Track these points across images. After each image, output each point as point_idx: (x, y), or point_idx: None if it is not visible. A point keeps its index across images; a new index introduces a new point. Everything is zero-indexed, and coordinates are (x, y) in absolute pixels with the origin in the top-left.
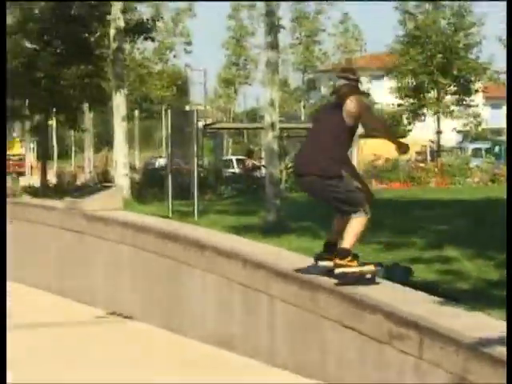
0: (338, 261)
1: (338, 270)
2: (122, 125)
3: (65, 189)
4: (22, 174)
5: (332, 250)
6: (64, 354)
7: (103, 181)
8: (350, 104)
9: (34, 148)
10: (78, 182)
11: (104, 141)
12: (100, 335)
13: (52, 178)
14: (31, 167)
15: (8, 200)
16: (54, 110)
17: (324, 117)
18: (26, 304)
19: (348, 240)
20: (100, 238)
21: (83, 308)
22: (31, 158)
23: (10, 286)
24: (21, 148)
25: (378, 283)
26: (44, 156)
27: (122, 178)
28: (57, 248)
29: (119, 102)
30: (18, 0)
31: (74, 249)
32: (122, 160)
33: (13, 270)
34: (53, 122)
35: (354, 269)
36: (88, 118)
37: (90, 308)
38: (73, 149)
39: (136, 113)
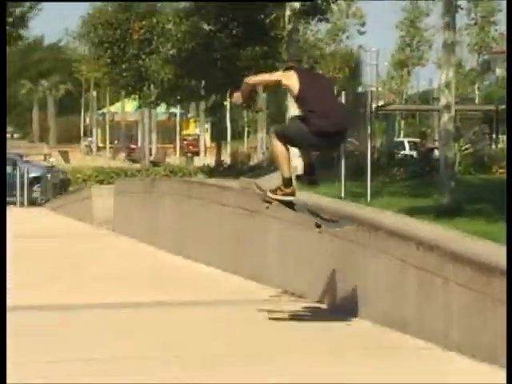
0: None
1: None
2: (295, 105)
3: (239, 169)
4: (196, 153)
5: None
6: (239, 332)
7: None
8: None
9: (208, 128)
10: (252, 163)
11: (277, 122)
12: (271, 314)
13: (226, 158)
14: (205, 147)
15: (183, 179)
16: (230, 90)
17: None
18: (202, 282)
19: None
20: (273, 218)
21: (257, 287)
22: (206, 139)
23: (184, 262)
24: (196, 128)
25: None
26: (219, 136)
27: (296, 159)
28: (232, 227)
29: None
30: (18, 0)
31: (248, 228)
32: None
33: (190, 248)
34: (227, 103)
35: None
36: (261, 98)
37: (264, 287)
38: (246, 129)
39: None
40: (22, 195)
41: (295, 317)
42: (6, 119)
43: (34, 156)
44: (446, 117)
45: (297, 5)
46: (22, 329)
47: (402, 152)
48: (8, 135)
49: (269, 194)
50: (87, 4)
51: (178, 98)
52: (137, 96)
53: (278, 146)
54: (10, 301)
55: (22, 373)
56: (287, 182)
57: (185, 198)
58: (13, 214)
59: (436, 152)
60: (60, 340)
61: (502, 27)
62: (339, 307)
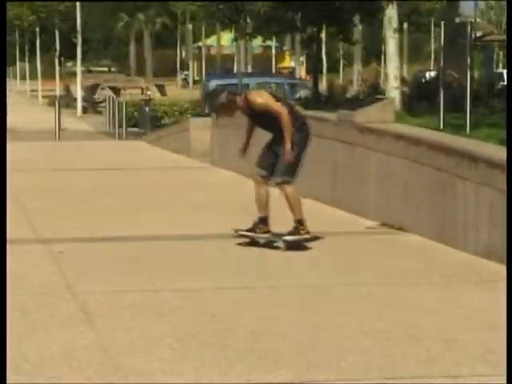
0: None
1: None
2: (393, 37)
3: (335, 101)
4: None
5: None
6: (334, 264)
7: (373, 94)
8: None
9: (303, 61)
10: (348, 95)
11: (372, 54)
12: (370, 245)
13: (322, 91)
14: (301, 79)
15: None
16: (325, 22)
17: None
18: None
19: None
20: (371, 150)
21: (355, 218)
22: (301, 71)
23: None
24: (291, 61)
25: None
26: (314, 69)
27: (393, 91)
28: (330, 159)
29: (391, 14)
30: (17, 0)
31: (346, 160)
32: (393, 73)
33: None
34: (323, 35)
35: None
36: (357, 30)
37: (361, 219)
38: (341, 62)
39: (405, 25)
40: (120, 127)
41: (395, 247)
42: (7, 117)
43: (131, 89)
44: None
45: None
46: (132, 258)
47: (502, 83)
48: (105, 69)
49: (286, 238)
50: None
51: (275, 30)
52: (233, 29)
53: (294, 191)
54: (114, 231)
55: (132, 296)
56: (302, 223)
57: None
58: (111, 146)
59: None
60: (167, 269)
61: None
62: (438, 239)
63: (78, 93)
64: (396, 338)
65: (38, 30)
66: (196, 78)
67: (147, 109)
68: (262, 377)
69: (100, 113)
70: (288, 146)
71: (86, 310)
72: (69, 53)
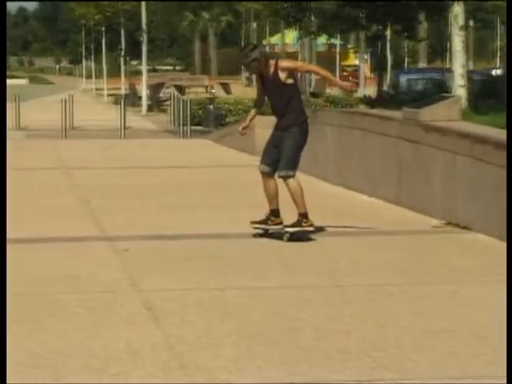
0: None
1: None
2: (459, 35)
3: (400, 99)
4: (356, 84)
5: None
6: (400, 262)
7: (438, 91)
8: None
9: (367, 59)
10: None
11: (437, 52)
12: (436, 244)
13: (387, 89)
14: (365, 78)
15: (344, 110)
16: (390, 19)
17: None
18: (363, 212)
19: None
20: (436, 148)
21: (419, 217)
22: (365, 69)
23: (344, 193)
24: (355, 59)
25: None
26: (379, 67)
27: (459, 89)
28: (394, 158)
29: (457, 12)
30: (17, 0)
31: (410, 159)
32: (460, 70)
33: (351, 178)
34: (388, 33)
35: None
36: (423, 28)
37: (427, 217)
38: (405, 59)
39: (471, 23)
40: (185, 125)
41: (461, 246)
42: (6, 115)
43: (195, 88)
44: None
45: None
46: (197, 255)
47: None
48: (170, 67)
49: (288, 229)
50: None
51: (339, 28)
52: (297, 27)
53: (297, 185)
54: (178, 229)
55: (188, 295)
56: (306, 215)
57: (346, 129)
58: (175, 144)
59: None
60: (231, 267)
61: None
62: (504, 238)
63: (143, 91)
64: (462, 338)
65: (103, 29)
66: None
67: (211, 107)
68: (328, 375)
69: (164, 111)
70: (334, 79)
71: (152, 307)
72: (134, 51)
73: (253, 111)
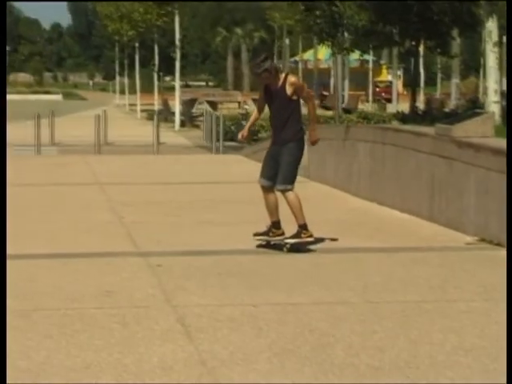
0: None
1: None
2: (493, 51)
3: (433, 115)
4: (388, 100)
5: None
6: (433, 279)
7: (471, 107)
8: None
9: (400, 75)
10: (446, 109)
11: (471, 67)
12: (469, 261)
13: (420, 105)
14: (398, 94)
15: (377, 126)
16: (424, 35)
17: None
18: (396, 228)
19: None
20: (470, 165)
21: (453, 234)
22: (398, 85)
23: (377, 209)
24: (388, 75)
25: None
26: (411, 82)
27: (492, 105)
28: (427, 174)
29: (491, 28)
30: (18, 0)
31: (444, 175)
32: (493, 86)
33: (384, 194)
34: (421, 48)
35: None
36: (456, 44)
37: (460, 234)
38: (439, 75)
39: (504, 39)
40: (217, 141)
41: (494, 263)
42: (6, 115)
43: (228, 103)
44: None
45: None
46: (230, 271)
47: None
48: (203, 83)
49: (288, 241)
50: None
51: (372, 44)
52: (330, 43)
53: (295, 198)
54: (211, 244)
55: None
56: (306, 227)
57: (379, 145)
58: (208, 159)
59: None
60: (264, 282)
61: None
62: None
63: (176, 107)
64: (496, 356)
65: (137, 44)
66: None
67: (244, 123)
68: None
69: (197, 127)
70: (313, 125)
71: (185, 323)
72: (167, 67)
73: (252, 118)
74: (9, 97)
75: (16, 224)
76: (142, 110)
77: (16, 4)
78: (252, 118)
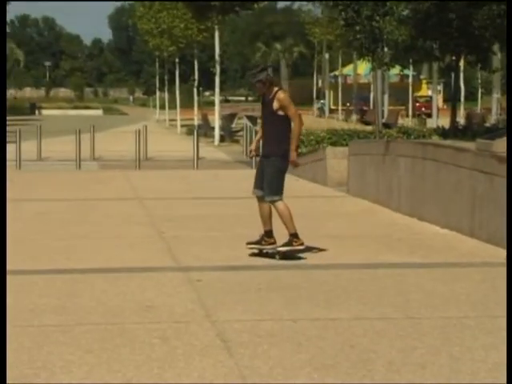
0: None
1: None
2: None
3: (474, 130)
4: (428, 115)
5: None
6: (476, 296)
7: None
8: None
9: (440, 90)
10: (487, 124)
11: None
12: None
13: (460, 120)
14: (438, 109)
15: (417, 141)
16: (464, 50)
17: None
18: (437, 244)
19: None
20: None
21: (494, 249)
22: (438, 100)
23: (418, 224)
24: (428, 90)
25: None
26: (452, 97)
27: None
28: (468, 189)
29: None
30: (18, 0)
31: (485, 190)
32: None
33: (425, 209)
34: (461, 63)
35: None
36: (497, 58)
37: (501, 250)
38: (479, 90)
39: None
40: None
41: None
42: (6, 116)
43: None
44: None
45: None
46: (269, 286)
47: None
48: (243, 98)
49: (280, 249)
50: None
51: (413, 59)
52: (370, 58)
53: (284, 208)
54: (251, 259)
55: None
56: (297, 235)
57: (419, 160)
58: (247, 175)
59: None
60: (304, 298)
61: None
62: None
63: (216, 122)
64: None
65: (177, 60)
66: (332, 107)
67: None
68: None
69: (237, 142)
70: (294, 146)
71: (225, 338)
72: (207, 82)
73: (259, 133)
74: (50, 112)
75: (56, 239)
76: (182, 125)
77: (58, 20)
78: (260, 133)
